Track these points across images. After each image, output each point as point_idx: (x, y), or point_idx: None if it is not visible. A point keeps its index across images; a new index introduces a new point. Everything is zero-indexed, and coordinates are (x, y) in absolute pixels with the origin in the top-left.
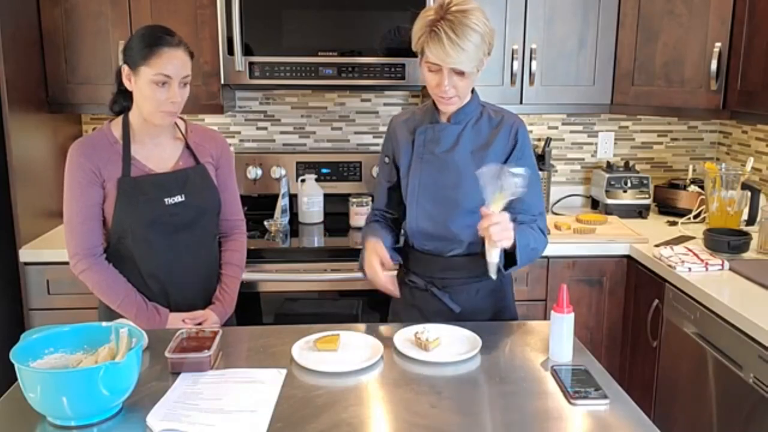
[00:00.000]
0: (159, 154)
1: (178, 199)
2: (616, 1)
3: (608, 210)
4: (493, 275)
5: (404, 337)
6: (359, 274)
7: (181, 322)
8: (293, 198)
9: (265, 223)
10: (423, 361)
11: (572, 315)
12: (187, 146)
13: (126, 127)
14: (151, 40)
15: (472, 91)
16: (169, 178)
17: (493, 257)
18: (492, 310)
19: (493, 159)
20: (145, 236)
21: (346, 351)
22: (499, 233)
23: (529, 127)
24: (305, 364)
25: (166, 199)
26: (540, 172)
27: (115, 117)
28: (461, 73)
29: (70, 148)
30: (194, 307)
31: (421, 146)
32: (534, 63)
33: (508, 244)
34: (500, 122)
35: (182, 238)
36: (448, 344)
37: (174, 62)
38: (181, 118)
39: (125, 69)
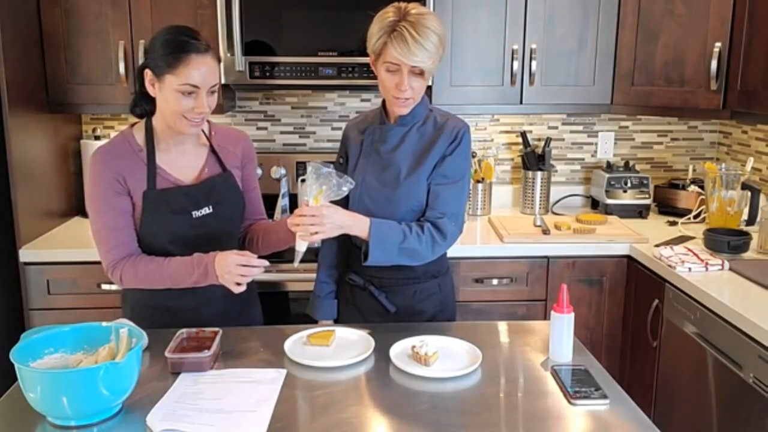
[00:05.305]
0: (185, 162)
1: (206, 211)
2: (616, 1)
3: (608, 210)
4: (295, 263)
5: (401, 350)
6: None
7: (234, 263)
8: (293, 198)
9: None
10: (424, 377)
11: (572, 315)
12: (212, 151)
13: (149, 133)
14: (177, 46)
15: None
16: (197, 189)
17: (300, 246)
18: (430, 312)
19: (434, 160)
20: (171, 251)
21: (338, 345)
22: (304, 227)
23: (529, 127)
24: (297, 359)
25: (193, 212)
26: (539, 172)
27: (138, 120)
28: (420, 74)
29: (91, 155)
30: (227, 320)
31: (369, 145)
32: (534, 63)
33: (316, 238)
34: (444, 125)
35: (210, 251)
36: (447, 357)
37: (202, 70)
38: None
39: (148, 74)
